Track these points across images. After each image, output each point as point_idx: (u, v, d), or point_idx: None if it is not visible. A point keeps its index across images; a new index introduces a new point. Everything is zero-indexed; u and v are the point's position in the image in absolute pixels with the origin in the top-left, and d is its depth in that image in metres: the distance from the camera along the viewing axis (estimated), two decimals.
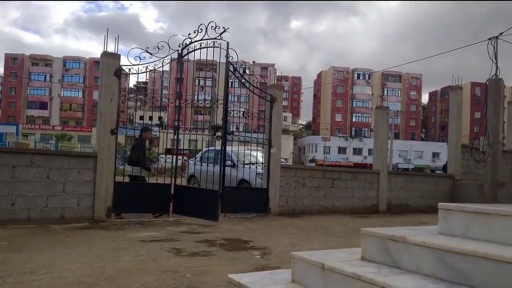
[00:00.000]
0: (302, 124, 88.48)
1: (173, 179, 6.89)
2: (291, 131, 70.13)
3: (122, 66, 6.46)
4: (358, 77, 71.26)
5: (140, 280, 3.20)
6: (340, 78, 70.92)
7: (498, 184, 10.33)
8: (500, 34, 9.78)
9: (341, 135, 64.87)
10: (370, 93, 69.57)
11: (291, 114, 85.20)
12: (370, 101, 67.85)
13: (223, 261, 4.00)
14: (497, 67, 10.55)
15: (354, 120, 70.64)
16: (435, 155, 59.56)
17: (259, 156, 8.07)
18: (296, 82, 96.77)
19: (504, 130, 15.96)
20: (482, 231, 2.31)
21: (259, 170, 8.00)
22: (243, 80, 7.44)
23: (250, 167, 7.81)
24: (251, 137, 7.89)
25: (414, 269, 2.28)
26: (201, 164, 7.68)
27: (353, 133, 66.46)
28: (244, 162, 7.94)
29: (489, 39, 9.62)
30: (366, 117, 68.22)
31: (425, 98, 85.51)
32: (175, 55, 6.72)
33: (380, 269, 2.33)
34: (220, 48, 6.49)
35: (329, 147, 59.29)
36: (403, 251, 2.35)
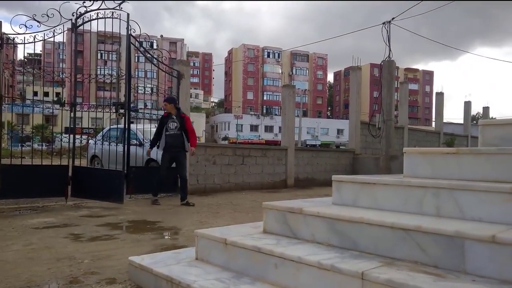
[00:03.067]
0: (214, 102, 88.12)
1: (71, 160, 6.37)
2: (203, 109, 69.54)
3: (5, 35, 5.69)
4: (268, 56, 72.74)
5: (30, 270, 2.92)
6: (250, 56, 71.67)
7: (391, 157, 11.46)
8: (392, 19, 10.64)
9: (253, 113, 66.12)
10: (280, 71, 71.62)
11: (202, 92, 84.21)
12: (280, 80, 69.93)
13: (126, 244, 3.84)
14: (390, 50, 11.55)
15: (265, 98, 72.37)
16: (339, 131, 63.87)
17: None
18: (207, 58, 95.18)
19: (397, 108, 17.65)
20: (369, 200, 2.51)
21: None
22: (147, 55, 7.07)
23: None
24: (158, 114, 7.59)
25: (310, 238, 2.40)
26: (102, 144, 7.22)
27: (264, 111, 68.17)
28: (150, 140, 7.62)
29: (383, 23, 10.44)
30: (276, 95, 70.30)
31: (330, 78, 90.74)
32: (69, 25, 6.10)
33: (279, 241, 2.42)
34: (120, 19, 6.04)
35: (242, 125, 60.15)
36: (301, 222, 2.47)
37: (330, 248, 2.21)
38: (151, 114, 7.81)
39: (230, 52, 76.51)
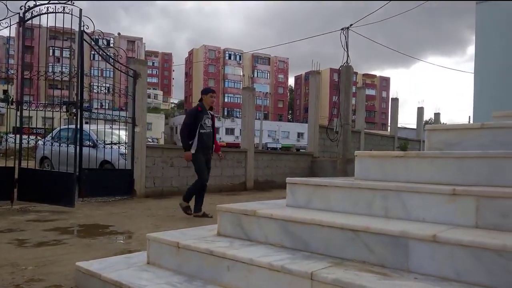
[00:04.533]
0: (174, 103, 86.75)
1: (17, 161, 6.04)
2: (163, 110, 68.28)
3: None
4: (230, 58, 72.72)
5: None
6: (211, 58, 71.33)
7: (348, 160, 11.76)
8: (351, 25, 10.96)
9: None
10: (241, 74, 71.78)
11: (162, 92, 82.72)
12: (241, 82, 70.08)
13: (76, 249, 3.68)
14: (348, 56, 11.88)
15: (226, 100, 72.24)
16: (300, 135, 64.82)
17: (124, 135, 7.61)
18: (166, 58, 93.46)
19: (355, 112, 18.17)
20: (322, 202, 2.56)
21: (123, 150, 7.56)
22: (102, 53, 6.83)
23: (112, 147, 7.30)
24: (112, 114, 7.37)
25: (263, 240, 2.41)
26: (52, 145, 6.91)
27: (225, 113, 68.01)
28: (105, 142, 7.38)
29: (342, 29, 10.74)
30: (238, 97, 70.39)
31: (292, 81, 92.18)
32: (17, 19, 5.78)
33: (232, 243, 2.41)
34: (72, 14, 5.81)
35: None
36: (254, 224, 2.47)
37: (282, 250, 2.23)
38: (105, 114, 7.55)
39: (190, 53, 75.74)
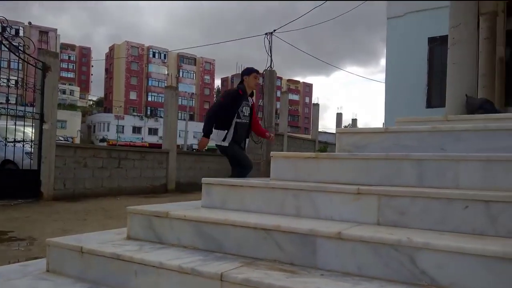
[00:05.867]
0: (92, 100, 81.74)
1: None
2: (79, 107, 64.03)
3: None
4: (154, 56, 70.58)
5: None
6: (134, 55, 68.59)
7: (270, 162, 12.04)
8: (274, 30, 11.26)
9: (136, 114, 63.25)
10: (166, 73, 70.01)
11: (79, 88, 77.55)
12: (166, 81, 68.41)
13: None
14: (271, 60, 12.19)
15: (150, 99, 69.94)
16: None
17: (30, 133, 6.95)
18: (85, 53, 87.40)
19: (278, 115, 18.66)
20: (237, 202, 2.55)
21: (29, 149, 6.91)
22: (5, 42, 6.18)
23: (14, 146, 6.63)
24: (16, 109, 6.69)
25: (175, 243, 2.33)
26: None
27: (148, 113, 65.79)
28: (6, 139, 6.68)
29: (265, 34, 10.99)
30: (162, 97, 68.34)
31: (218, 83, 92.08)
32: None
33: (142, 246, 2.30)
34: None
35: (123, 126, 56.97)
36: (166, 226, 2.38)
37: (194, 252, 2.18)
38: (7, 109, 6.80)
39: (111, 48, 72.00)
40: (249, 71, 4.67)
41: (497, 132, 2.49)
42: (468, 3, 3.33)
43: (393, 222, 2.07)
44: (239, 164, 4.58)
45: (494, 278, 1.55)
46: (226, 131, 4.37)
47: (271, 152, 2.81)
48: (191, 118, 62.75)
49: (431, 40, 9.85)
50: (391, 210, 2.08)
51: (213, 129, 4.43)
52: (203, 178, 2.69)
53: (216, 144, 4.49)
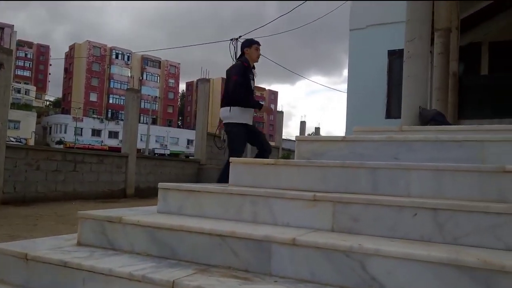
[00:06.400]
0: (49, 101, 78.43)
1: None
2: (35, 107, 61.24)
3: None
4: (117, 57, 68.83)
5: None
6: (96, 55, 66.60)
7: None
8: (240, 37, 11.30)
9: (96, 116, 61.29)
10: (129, 75, 68.42)
11: (35, 88, 74.26)
12: (128, 84, 66.83)
13: None
14: None
15: (111, 101, 68.03)
16: (189, 142, 64.15)
17: None
18: (43, 51, 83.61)
19: None
20: (194, 208, 2.51)
21: None
22: None
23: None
24: None
25: (128, 249, 2.26)
26: None
27: (109, 115, 63.96)
28: None
29: (231, 40, 11.01)
30: (123, 99, 66.71)
31: (183, 87, 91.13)
32: None
33: (93, 253, 2.21)
34: None
35: (82, 128, 55.05)
36: (120, 232, 2.30)
37: (147, 258, 2.12)
38: None
39: (72, 48, 69.50)
40: (249, 43, 4.40)
41: (447, 143, 2.61)
42: (423, 19, 3.49)
43: (347, 229, 2.11)
44: (262, 144, 4.28)
45: (439, 283, 1.60)
46: (245, 108, 4.16)
47: (230, 158, 2.79)
48: (154, 122, 61.69)
49: (391, 53, 10.24)
50: (345, 217, 2.12)
51: (225, 107, 4.15)
52: (159, 183, 2.63)
53: (227, 123, 4.20)
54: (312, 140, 2.97)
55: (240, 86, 4.12)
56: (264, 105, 4.26)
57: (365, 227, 2.07)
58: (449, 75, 6.78)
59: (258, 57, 4.39)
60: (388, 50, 10.34)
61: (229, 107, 4.14)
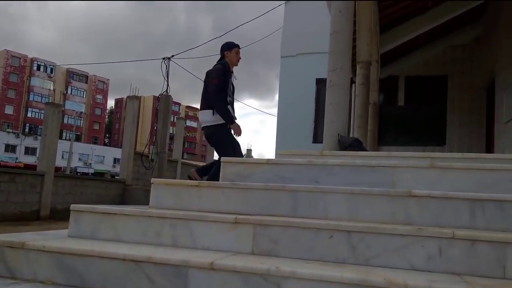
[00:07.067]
0: None
1: None
2: None
3: None
4: (38, 69, 64.42)
5: None
6: (15, 65, 61.78)
7: None
8: (172, 56, 11.20)
9: (11, 130, 56.24)
10: (52, 88, 64.13)
11: None
12: (51, 97, 62.49)
13: None
14: (168, 85, 12.05)
15: (29, 115, 63.01)
16: (116, 160, 61.17)
17: None
18: None
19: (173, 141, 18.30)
20: (109, 231, 2.37)
21: None
22: None
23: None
24: None
25: (31, 278, 2.06)
26: None
27: (27, 130, 59.11)
28: None
29: (163, 58, 10.86)
30: (44, 113, 62.36)
31: (112, 103, 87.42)
32: None
33: None
34: None
35: None
36: (22, 258, 2.09)
37: (53, 287, 1.94)
38: None
39: None
40: (229, 46, 4.36)
41: (362, 168, 2.77)
42: (344, 51, 3.73)
43: (266, 251, 2.12)
44: (234, 151, 4.12)
45: None
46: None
47: (152, 179, 2.70)
48: (78, 138, 58.12)
49: (319, 81, 10.80)
50: (265, 239, 2.13)
51: (206, 110, 4.08)
52: (72, 205, 2.46)
53: (210, 126, 4.10)
54: (237, 162, 2.98)
55: (217, 88, 4.08)
56: (236, 123, 4.13)
57: (284, 249, 2.09)
58: (369, 104, 7.27)
59: (238, 61, 4.38)
60: (316, 78, 10.90)
61: (211, 110, 4.08)
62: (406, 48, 9.51)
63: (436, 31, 8.85)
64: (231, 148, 4.07)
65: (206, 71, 4.31)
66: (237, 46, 4.39)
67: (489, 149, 8.52)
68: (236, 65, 4.39)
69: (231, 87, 4.32)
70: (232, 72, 4.34)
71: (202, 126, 4.26)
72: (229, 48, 4.35)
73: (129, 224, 2.34)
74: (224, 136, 4.10)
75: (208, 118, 4.11)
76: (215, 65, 4.29)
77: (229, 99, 4.21)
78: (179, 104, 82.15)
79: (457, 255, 1.89)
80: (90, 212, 2.40)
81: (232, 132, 4.11)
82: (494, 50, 8.23)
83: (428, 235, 1.93)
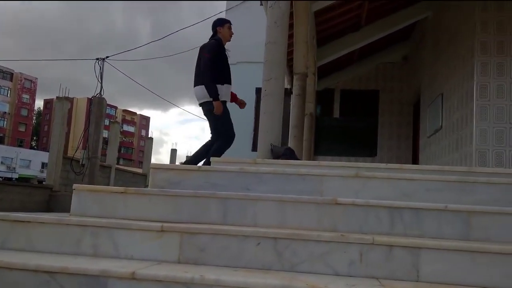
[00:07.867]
0: None
1: None
2: None
3: None
4: None
5: None
6: None
7: None
8: (107, 57, 10.74)
9: None
10: None
11: None
12: None
13: None
14: (101, 87, 11.51)
15: None
16: (45, 165, 56.92)
17: None
18: None
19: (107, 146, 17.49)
20: (22, 241, 2.18)
21: None
22: None
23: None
24: None
25: None
26: None
27: None
28: None
29: (97, 59, 10.37)
30: None
31: (40, 104, 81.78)
32: None
33: None
34: None
35: None
36: None
37: None
38: None
39: None
40: (222, 21, 4.43)
41: (292, 176, 2.82)
42: (279, 61, 3.81)
43: (193, 260, 2.07)
44: (227, 131, 4.22)
45: None
46: (223, 85, 4.19)
47: (74, 185, 2.54)
48: (1, 140, 53.56)
49: (258, 90, 10.94)
50: (192, 248, 2.08)
51: (199, 86, 4.13)
52: None
53: (208, 101, 4.11)
54: (168, 168, 2.91)
55: (210, 63, 4.11)
56: (217, 103, 4.12)
57: (212, 257, 2.06)
58: (305, 115, 7.50)
59: (231, 36, 4.46)
60: (256, 87, 11.03)
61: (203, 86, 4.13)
62: (341, 63, 9.98)
63: (368, 48, 9.40)
64: (230, 124, 4.22)
65: (199, 46, 4.35)
66: (229, 22, 4.50)
67: (415, 160, 9.16)
68: (229, 40, 4.47)
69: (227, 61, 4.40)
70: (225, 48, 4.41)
71: (199, 103, 4.28)
72: (221, 23, 4.41)
73: (45, 232, 2.17)
74: (222, 113, 4.17)
75: (202, 93, 4.17)
76: (208, 41, 4.34)
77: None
78: (115, 107, 79.04)
79: (376, 260, 1.98)
80: (0, 220, 2.19)
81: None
82: (420, 69, 8.92)
83: (350, 241, 2.00)
